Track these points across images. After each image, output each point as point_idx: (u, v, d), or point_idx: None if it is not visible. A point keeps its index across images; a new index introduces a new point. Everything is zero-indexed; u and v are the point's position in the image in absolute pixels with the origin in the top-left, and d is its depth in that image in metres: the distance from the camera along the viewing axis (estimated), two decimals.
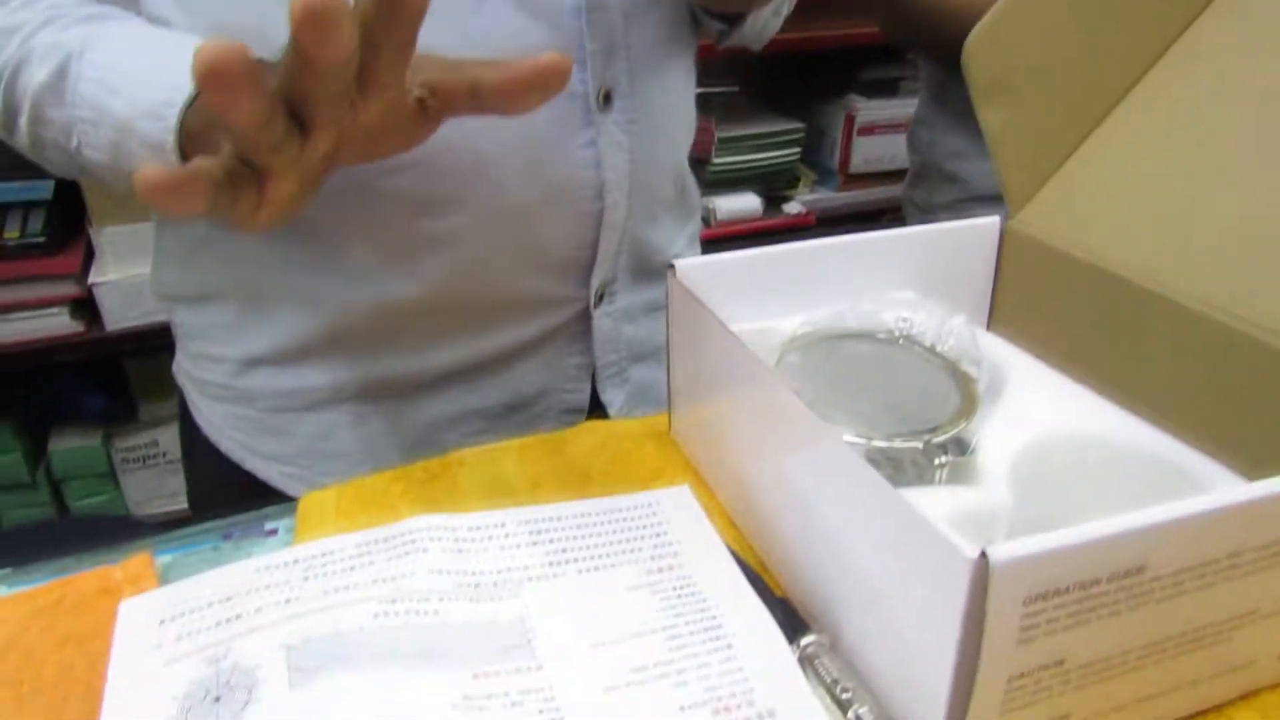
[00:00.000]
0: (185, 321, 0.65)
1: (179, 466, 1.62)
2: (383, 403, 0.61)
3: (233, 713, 0.33)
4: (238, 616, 0.38)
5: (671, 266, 0.49)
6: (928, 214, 1.17)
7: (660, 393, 0.69)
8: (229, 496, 0.66)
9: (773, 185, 1.94)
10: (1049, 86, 0.51)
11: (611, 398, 0.66)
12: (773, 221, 1.93)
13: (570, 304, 0.62)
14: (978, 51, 0.50)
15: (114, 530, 1.51)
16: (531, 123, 0.46)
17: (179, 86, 0.45)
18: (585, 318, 0.63)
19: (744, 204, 1.90)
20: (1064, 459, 0.39)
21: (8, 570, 0.45)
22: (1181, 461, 0.39)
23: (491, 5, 0.52)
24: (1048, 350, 0.48)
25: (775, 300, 0.51)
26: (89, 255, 1.44)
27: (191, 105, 0.45)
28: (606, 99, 0.57)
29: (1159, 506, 0.29)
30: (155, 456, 1.61)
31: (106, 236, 1.41)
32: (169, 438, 1.61)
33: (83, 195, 1.39)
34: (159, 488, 1.63)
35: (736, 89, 1.87)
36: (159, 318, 1.45)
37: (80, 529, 1.57)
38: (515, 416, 0.64)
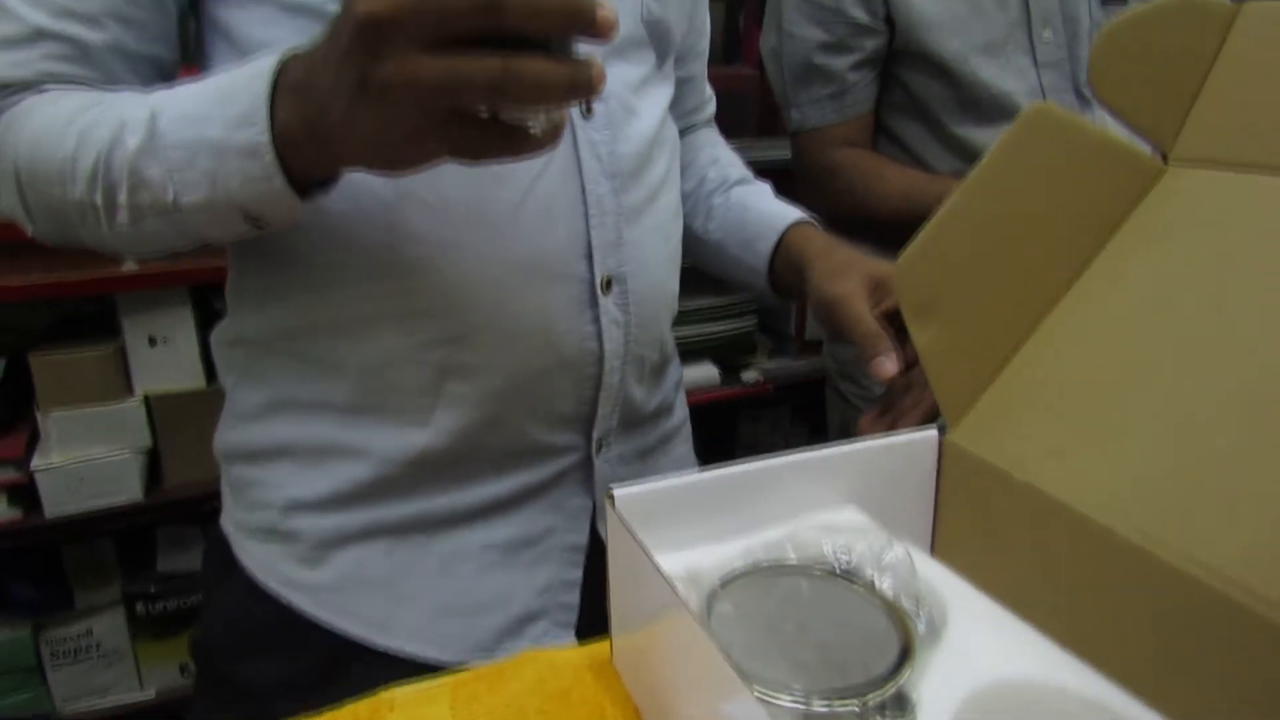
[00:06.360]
0: (241, 475, 0.71)
1: (111, 660, 1.56)
2: (411, 537, 0.69)
3: None
4: None
5: (610, 496, 0.48)
6: (841, 368, 1.31)
7: None
8: (264, 634, 0.70)
9: (730, 355, 1.97)
10: (977, 303, 0.52)
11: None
12: (731, 391, 1.95)
13: (573, 452, 0.72)
14: (906, 275, 0.52)
15: None
16: (549, 302, 0.65)
17: (256, 92, 0.51)
18: (587, 464, 0.73)
19: (702, 374, 1.91)
20: (1006, 708, 0.38)
21: None
22: (1122, 712, 0.37)
23: (526, 211, 0.64)
24: (987, 577, 0.47)
25: (717, 523, 0.50)
26: (33, 439, 1.40)
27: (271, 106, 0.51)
28: (607, 285, 0.68)
29: None
30: (89, 649, 1.52)
31: (54, 420, 1.37)
32: (104, 627, 1.53)
33: (31, 377, 1.36)
34: (88, 683, 1.54)
35: (687, 264, 1.91)
36: (99, 503, 1.41)
37: None
38: (526, 551, 0.72)
